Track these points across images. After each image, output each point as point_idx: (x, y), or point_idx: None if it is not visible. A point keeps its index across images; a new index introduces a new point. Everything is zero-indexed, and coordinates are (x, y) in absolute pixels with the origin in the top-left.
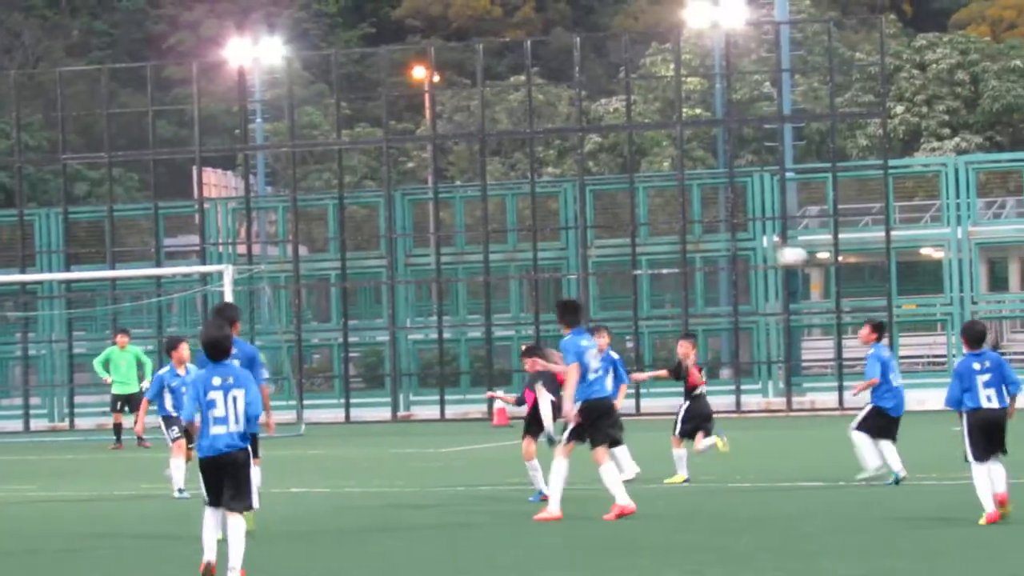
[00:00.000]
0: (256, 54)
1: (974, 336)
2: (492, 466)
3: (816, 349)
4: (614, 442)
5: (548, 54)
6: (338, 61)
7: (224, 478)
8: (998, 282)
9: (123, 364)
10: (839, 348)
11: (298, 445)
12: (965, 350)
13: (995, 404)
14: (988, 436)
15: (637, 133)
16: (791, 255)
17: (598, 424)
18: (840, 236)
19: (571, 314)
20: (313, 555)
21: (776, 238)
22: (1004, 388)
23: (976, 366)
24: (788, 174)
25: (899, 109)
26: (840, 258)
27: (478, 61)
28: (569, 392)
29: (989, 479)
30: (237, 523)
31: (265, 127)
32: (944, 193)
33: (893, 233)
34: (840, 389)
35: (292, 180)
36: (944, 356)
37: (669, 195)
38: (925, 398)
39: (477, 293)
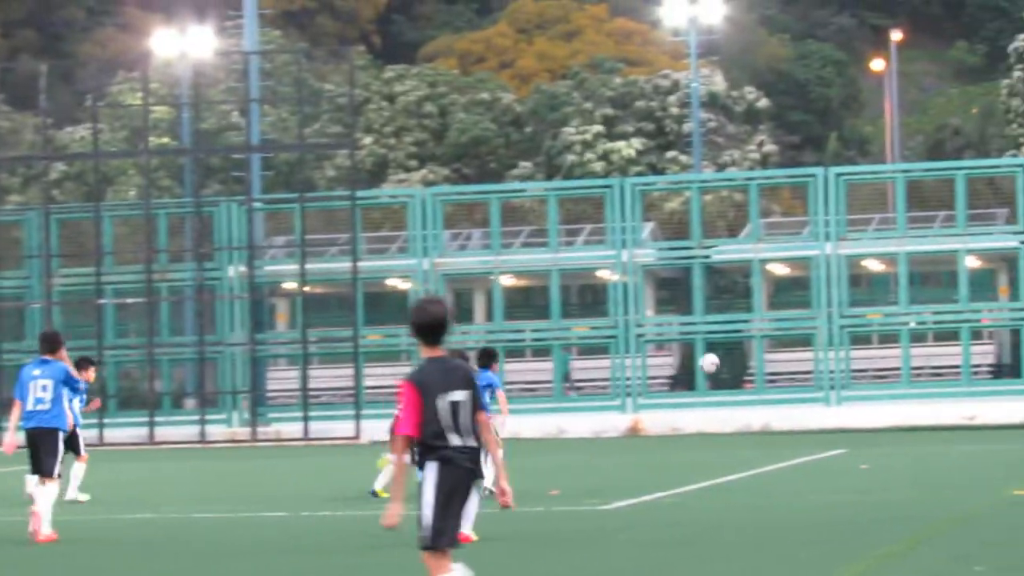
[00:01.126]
0: None
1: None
2: None
3: (282, 379)
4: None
5: (14, 80)
6: None
7: None
8: (463, 313)
9: None
10: (304, 378)
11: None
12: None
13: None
14: None
15: (103, 162)
16: (707, 362)
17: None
18: (307, 266)
19: None
20: None
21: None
22: None
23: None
24: (256, 204)
25: (368, 140)
26: (307, 288)
27: None
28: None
29: None
30: None
31: None
32: (411, 224)
33: (360, 264)
34: (306, 419)
35: None
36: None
37: (135, 224)
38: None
39: None
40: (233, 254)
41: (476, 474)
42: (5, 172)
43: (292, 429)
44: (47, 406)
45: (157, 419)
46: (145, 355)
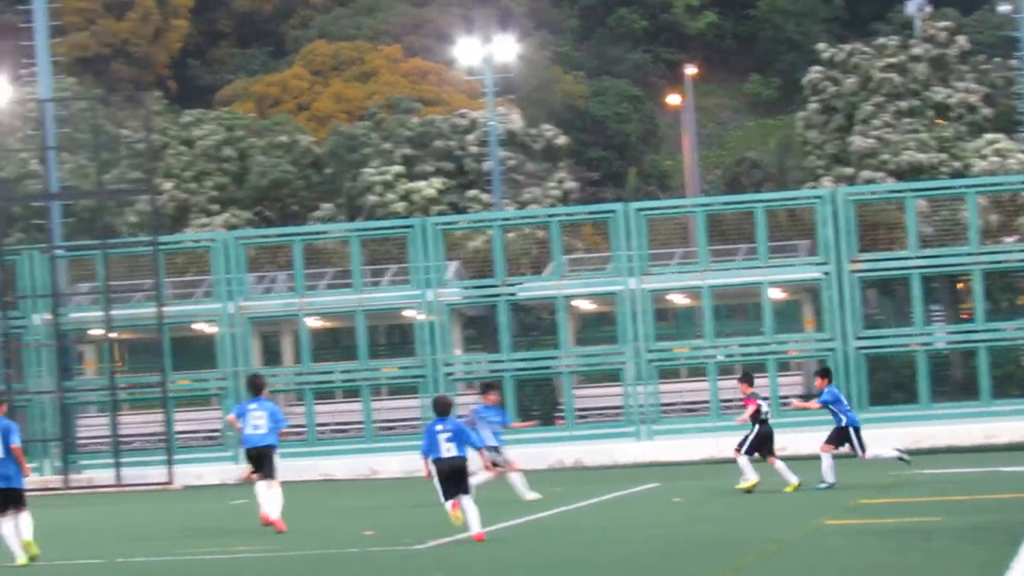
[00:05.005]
0: None
1: (439, 406)
2: None
3: (93, 426)
4: None
5: None
6: None
7: None
8: (272, 356)
9: None
10: (114, 425)
11: None
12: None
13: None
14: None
15: None
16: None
17: None
18: (113, 312)
19: None
20: None
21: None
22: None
23: (439, 427)
24: (58, 252)
25: (168, 185)
26: (113, 334)
27: None
28: None
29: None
30: None
31: None
32: (215, 268)
33: (166, 309)
34: (117, 466)
35: None
36: (218, 431)
37: None
38: (202, 472)
39: None
40: (37, 302)
41: None
42: None
43: (105, 476)
44: None
45: None
46: None
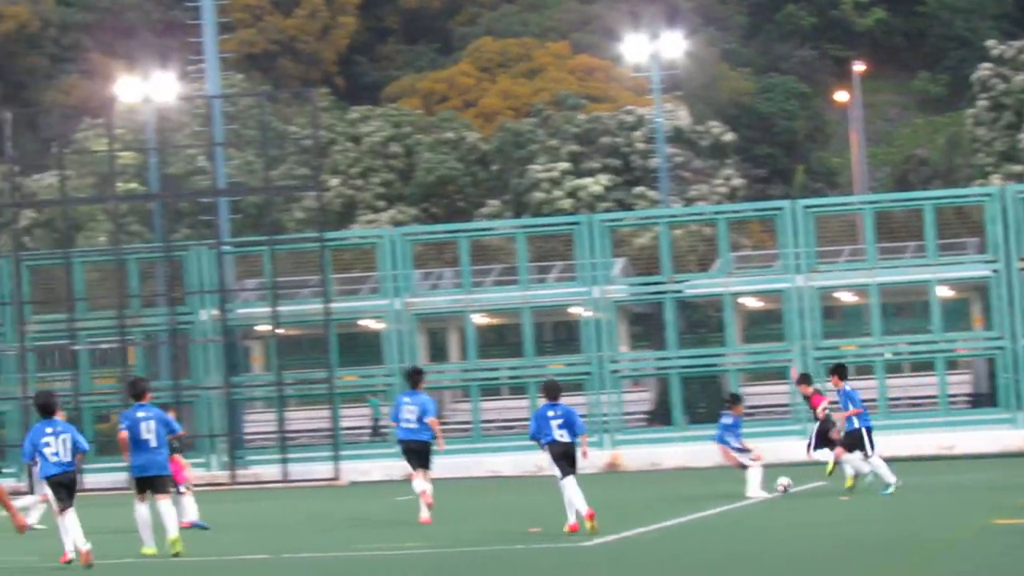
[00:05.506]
0: None
1: (550, 390)
2: None
3: (259, 422)
4: None
5: None
6: None
7: None
8: (438, 352)
9: None
10: (281, 420)
11: None
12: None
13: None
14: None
15: (72, 208)
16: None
17: None
18: (280, 308)
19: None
20: None
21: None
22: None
23: (550, 413)
24: (225, 248)
25: (335, 182)
26: (280, 330)
27: None
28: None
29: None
30: None
31: None
32: (381, 265)
33: (332, 305)
34: (284, 461)
35: None
36: (384, 427)
37: (106, 270)
38: (368, 468)
39: None
40: (205, 298)
41: None
42: None
43: (271, 471)
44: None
45: None
46: (121, 401)
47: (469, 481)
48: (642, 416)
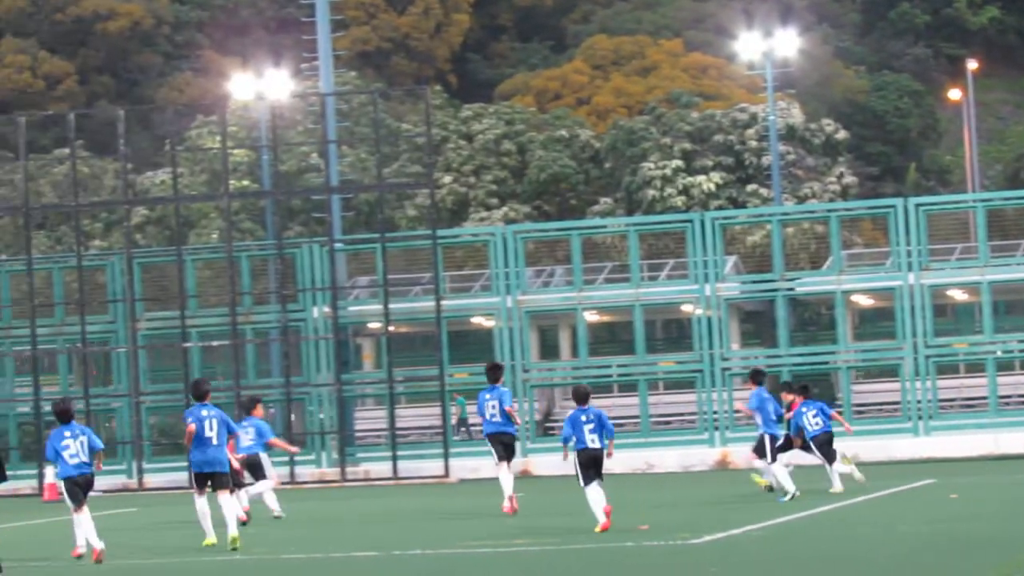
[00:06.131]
0: None
1: (581, 395)
2: (43, 543)
3: (370, 419)
4: None
5: (93, 127)
6: None
7: None
8: (549, 350)
9: None
10: (392, 418)
11: None
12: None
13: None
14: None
15: (184, 205)
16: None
17: None
18: (391, 306)
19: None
20: None
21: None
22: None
23: (583, 418)
24: (337, 245)
25: (447, 179)
26: (391, 328)
27: (20, 134)
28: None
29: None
30: None
31: None
32: (493, 262)
33: (444, 303)
34: (395, 459)
35: None
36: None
37: (218, 267)
38: (478, 465)
39: (24, 367)
40: (316, 295)
41: None
42: (87, 217)
43: (381, 468)
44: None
45: None
46: (232, 397)
47: (576, 479)
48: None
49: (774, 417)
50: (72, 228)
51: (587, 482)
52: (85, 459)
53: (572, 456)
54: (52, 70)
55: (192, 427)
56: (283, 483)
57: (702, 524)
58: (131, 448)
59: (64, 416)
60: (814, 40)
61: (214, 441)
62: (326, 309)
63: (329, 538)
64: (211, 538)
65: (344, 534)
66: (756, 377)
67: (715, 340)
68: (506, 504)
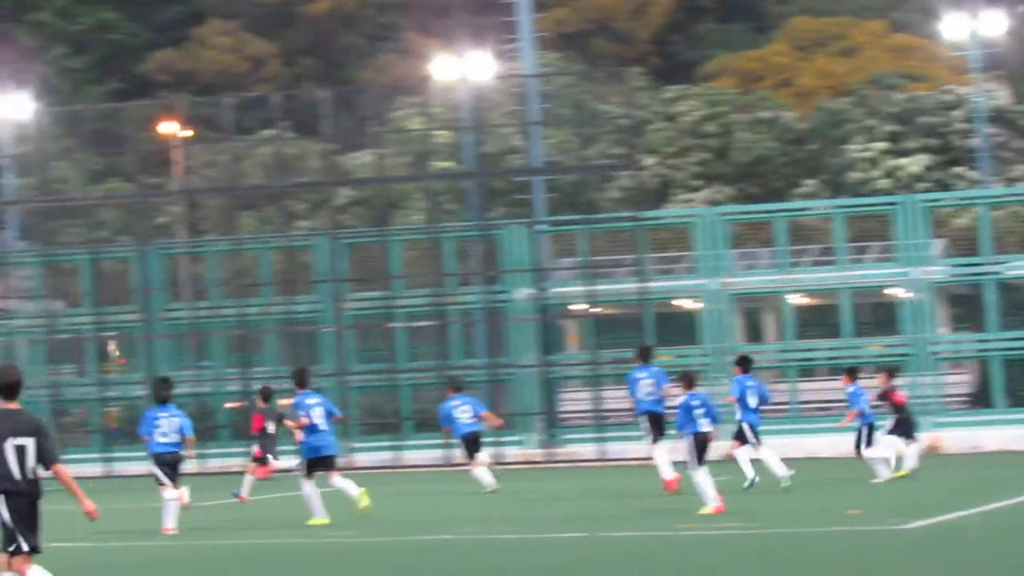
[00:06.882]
0: (4, 109)
1: (690, 381)
2: (260, 520)
3: (575, 400)
4: None
5: (297, 108)
6: (87, 116)
7: None
8: (754, 333)
9: None
10: (598, 399)
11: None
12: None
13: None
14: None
15: (388, 186)
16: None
17: None
18: (595, 287)
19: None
20: None
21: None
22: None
23: (694, 403)
24: (541, 226)
25: (650, 161)
26: (596, 309)
27: (227, 115)
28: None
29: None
30: None
31: (16, 182)
32: (698, 244)
33: (647, 285)
34: (601, 440)
35: (44, 235)
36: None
37: (423, 248)
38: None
39: (233, 347)
40: (520, 276)
41: None
42: (293, 198)
43: (586, 450)
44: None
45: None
46: (436, 378)
47: (785, 462)
48: (962, 398)
49: (754, 405)
50: (279, 208)
51: (699, 465)
52: (175, 439)
53: (687, 440)
54: (256, 52)
55: (305, 420)
56: (489, 463)
57: (913, 509)
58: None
59: (162, 397)
60: (1022, 18)
61: (322, 426)
62: (530, 291)
63: (536, 519)
64: (323, 517)
65: (551, 515)
66: (742, 364)
67: (923, 324)
68: (669, 477)
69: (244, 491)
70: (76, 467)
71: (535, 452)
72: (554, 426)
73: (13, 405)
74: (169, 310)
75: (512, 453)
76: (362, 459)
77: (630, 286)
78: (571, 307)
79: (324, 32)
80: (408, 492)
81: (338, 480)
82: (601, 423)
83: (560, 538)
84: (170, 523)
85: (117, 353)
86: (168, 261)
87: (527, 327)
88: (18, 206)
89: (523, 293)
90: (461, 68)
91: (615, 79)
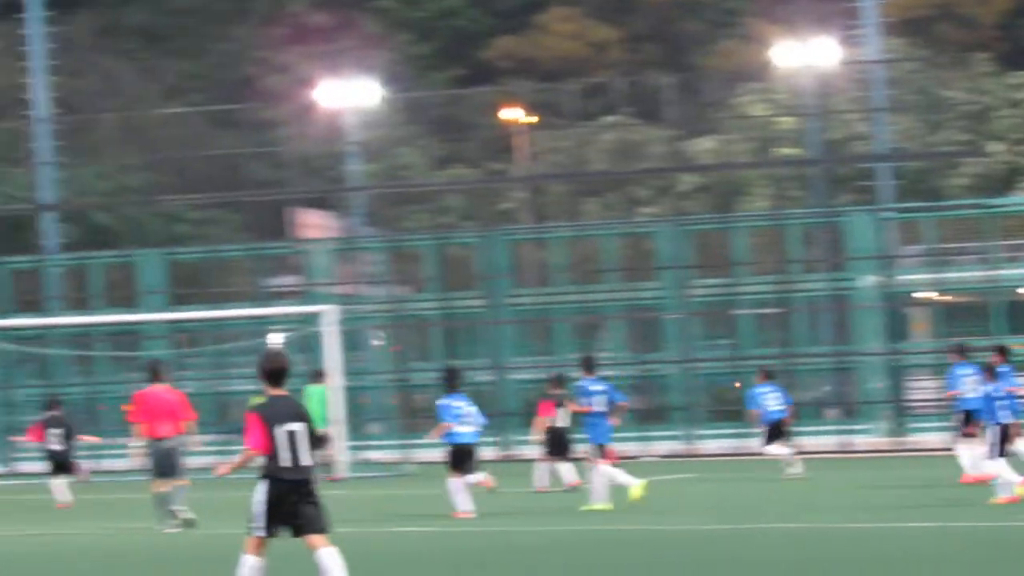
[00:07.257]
0: (350, 95)
1: (767, 373)
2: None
3: (924, 389)
4: None
5: (640, 94)
6: (432, 102)
7: None
8: None
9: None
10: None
11: (401, 485)
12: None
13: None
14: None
15: (731, 173)
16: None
17: None
18: (942, 275)
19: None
20: None
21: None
22: None
23: (767, 390)
24: (886, 213)
25: (997, 147)
26: (945, 297)
27: (571, 102)
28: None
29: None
30: None
31: (362, 168)
32: None
33: (995, 272)
34: (948, 429)
35: (389, 221)
36: None
37: (766, 234)
38: None
39: (576, 333)
40: (867, 263)
41: None
42: (636, 184)
43: (936, 439)
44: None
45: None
46: (783, 365)
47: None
48: None
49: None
50: (622, 195)
51: (771, 442)
52: (476, 428)
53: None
54: (599, 38)
55: (588, 407)
56: (835, 452)
57: None
58: (683, 414)
59: (454, 385)
60: None
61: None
62: (877, 278)
63: (881, 509)
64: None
65: (899, 504)
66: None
67: None
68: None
69: (571, 478)
70: (422, 452)
71: (882, 440)
72: (902, 415)
73: (281, 392)
74: (513, 296)
75: (860, 441)
76: (708, 447)
77: (977, 274)
78: (917, 295)
79: (666, 18)
80: (753, 479)
81: (605, 470)
82: (948, 412)
83: (909, 527)
84: (466, 507)
85: (383, 342)
86: (512, 247)
87: (873, 314)
88: (364, 192)
89: (869, 280)
90: (804, 54)
91: (960, 65)
